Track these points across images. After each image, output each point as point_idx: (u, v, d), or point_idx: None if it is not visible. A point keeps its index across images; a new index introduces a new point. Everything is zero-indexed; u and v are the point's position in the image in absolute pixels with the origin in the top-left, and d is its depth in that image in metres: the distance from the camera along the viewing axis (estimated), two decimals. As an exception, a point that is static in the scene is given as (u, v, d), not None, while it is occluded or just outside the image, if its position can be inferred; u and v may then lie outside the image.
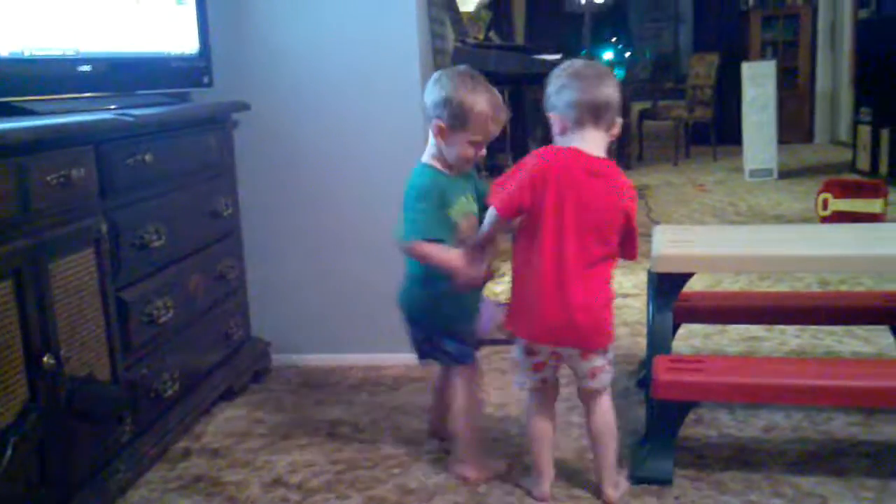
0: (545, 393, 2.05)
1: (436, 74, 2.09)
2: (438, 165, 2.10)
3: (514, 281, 1.99)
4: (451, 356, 2.13)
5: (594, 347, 1.96)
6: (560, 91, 1.92)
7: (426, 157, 2.12)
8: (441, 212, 2.04)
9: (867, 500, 1.99)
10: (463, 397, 2.14)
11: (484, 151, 2.09)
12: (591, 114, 1.89)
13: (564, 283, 1.89)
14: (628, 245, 1.98)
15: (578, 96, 1.88)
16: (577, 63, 1.96)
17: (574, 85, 1.89)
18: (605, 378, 1.99)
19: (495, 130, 2.06)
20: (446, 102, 2.01)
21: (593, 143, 1.91)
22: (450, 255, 1.99)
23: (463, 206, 2.09)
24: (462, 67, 2.10)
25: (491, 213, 1.94)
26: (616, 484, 2.04)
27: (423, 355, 2.18)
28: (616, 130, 1.95)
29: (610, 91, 1.90)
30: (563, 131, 1.94)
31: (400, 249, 2.08)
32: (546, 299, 1.91)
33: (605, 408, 2.02)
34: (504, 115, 2.06)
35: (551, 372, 2.02)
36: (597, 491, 2.05)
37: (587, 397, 2.02)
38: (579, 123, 1.90)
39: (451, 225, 2.05)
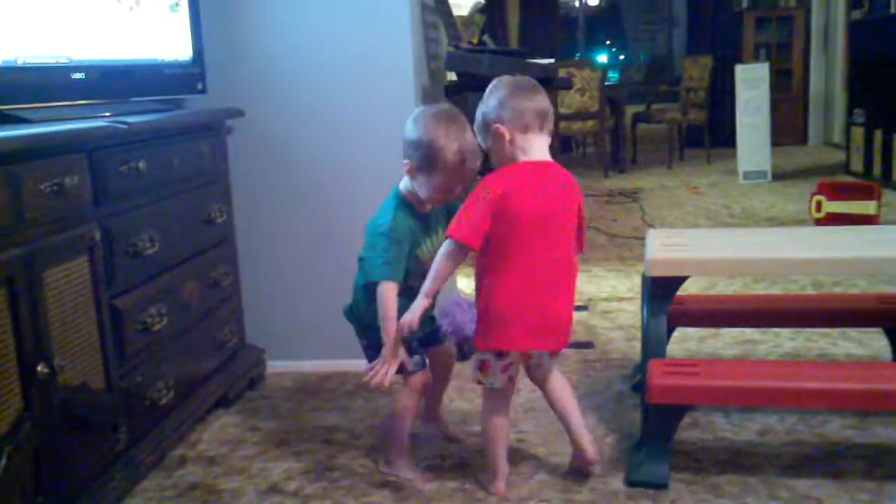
0: (507, 392, 2.10)
1: (416, 111, 2.12)
2: (411, 199, 2.14)
3: (485, 298, 2.00)
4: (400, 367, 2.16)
5: (566, 346, 2.09)
6: (504, 103, 1.98)
7: (403, 184, 2.16)
8: (410, 253, 2.12)
9: (863, 502, 1.99)
10: (403, 403, 2.20)
11: (458, 192, 2.11)
12: (538, 120, 1.99)
13: (550, 291, 1.99)
14: (579, 238, 2.08)
15: (526, 104, 1.97)
16: (508, 77, 2.04)
17: (518, 95, 1.98)
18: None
19: (465, 177, 2.08)
20: (418, 144, 2.05)
21: (540, 147, 2.00)
22: (390, 324, 2.06)
23: (431, 245, 2.15)
24: (443, 108, 2.13)
25: (450, 246, 1.98)
26: (592, 442, 2.15)
27: (371, 360, 2.20)
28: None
29: (547, 100, 2.02)
30: (513, 140, 1.98)
31: (365, 283, 2.16)
32: (531, 308, 1.97)
33: (557, 375, 2.16)
34: (476, 162, 2.08)
35: (516, 370, 2.08)
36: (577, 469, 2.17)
37: (544, 376, 2.14)
38: (528, 130, 1.98)
39: (418, 263, 2.13)
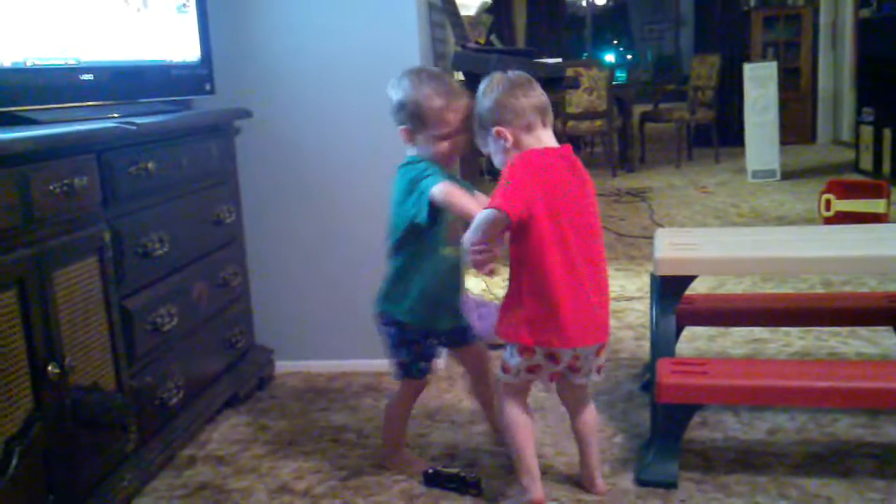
0: (525, 394, 2.04)
1: (392, 80, 2.09)
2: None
3: (525, 292, 1.90)
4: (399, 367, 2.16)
5: (607, 340, 1.99)
6: (502, 102, 1.91)
7: (409, 154, 2.11)
8: (439, 216, 2.03)
9: (873, 502, 1.98)
10: (390, 411, 2.23)
11: (462, 145, 2.05)
12: (541, 115, 1.93)
13: (583, 283, 1.88)
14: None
15: (524, 102, 1.91)
16: (500, 75, 1.95)
17: (516, 93, 1.91)
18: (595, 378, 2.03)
19: (456, 118, 2.01)
20: (401, 106, 2.03)
21: (549, 141, 1.94)
22: (472, 207, 1.91)
23: None
24: (417, 66, 2.12)
25: (486, 215, 1.84)
26: (601, 474, 2.11)
27: (396, 354, 2.19)
28: None
29: (543, 93, 1.96)
30: (518, 141, 1.91)
31: (426, 205, 1.98)
32: (570, 303, 1.87)
33: (592, 406, 2.09)
34: (461, 100, 2.01)
35: (544, 375, 1.98)
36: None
37: (580, 396, 2.05)
38: (532, 127, 1.92)
39: (448, 228, 2.08)
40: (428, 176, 1.98)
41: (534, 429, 2.05)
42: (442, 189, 1.94)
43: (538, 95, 1.94)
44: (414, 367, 2.15)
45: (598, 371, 2.01)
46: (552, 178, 1.88)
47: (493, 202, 1.84)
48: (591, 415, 2.07)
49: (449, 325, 2.15)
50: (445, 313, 2.12)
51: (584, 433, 2.07)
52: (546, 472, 2.17)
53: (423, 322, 2.12)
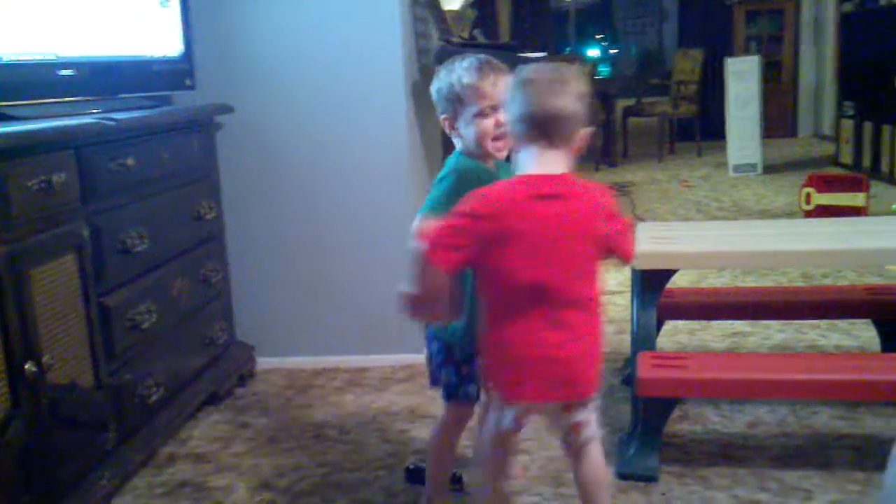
0: (511, 449, 1.77)
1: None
2: (473, 155, 1.86)
3: (484, 332, 1.65)
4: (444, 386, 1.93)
5: (580, 398, 1.65)
6: (510, 102, 1.64)
7: (458, 147, 1.91)
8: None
9: (852, 493, 2.00)
10: (434, 440, 1.98)
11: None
12: (540, 129, 1.59)
13: (548, 328, 1.58)
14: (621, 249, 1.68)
15: (524, 109, 1.59)
16: (532, 67, 1.64)
17: (522, 94, 1.60)
18: (591, 429, 1.69)
19: (495, 91, 1.79)
20: (437, 93, 1.87)
21: (549, 162, 1.60)
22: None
23: None
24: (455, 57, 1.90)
25: (417, 254, 1.57)
26: None
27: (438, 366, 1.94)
28: (580, 144, 1.63)
29: (564, 100, 1.58)
30: (517, 149, 1.65)
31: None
32: (532, 351, 1.60)
33: (594, 456, 1.71)
34: (500, 73, 1.81)
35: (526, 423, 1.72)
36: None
37: (573, 448, 1.72)
38: (529, 140, 1.61)
39: None
40: (436, 189, 1.81)
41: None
42: (419, 223, 1.64)
43: (543, 103, 1.60)
44: (460, 390, 1.90)
45: (576, 430, 1.67)
46: (511, 212, 1.57)
47: (423, 240, 1.58)
48: (591, 466, 1.71)
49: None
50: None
51: (582, 489, 1.73)
52: (528, 466, 2.18)
53: (469, 344, 1.84)
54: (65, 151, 1.92)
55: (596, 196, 1.62)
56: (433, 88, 1.89)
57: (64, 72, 2.18)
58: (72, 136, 1.94)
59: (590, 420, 1.68)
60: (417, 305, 1.64)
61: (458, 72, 1.83)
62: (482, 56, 1.86)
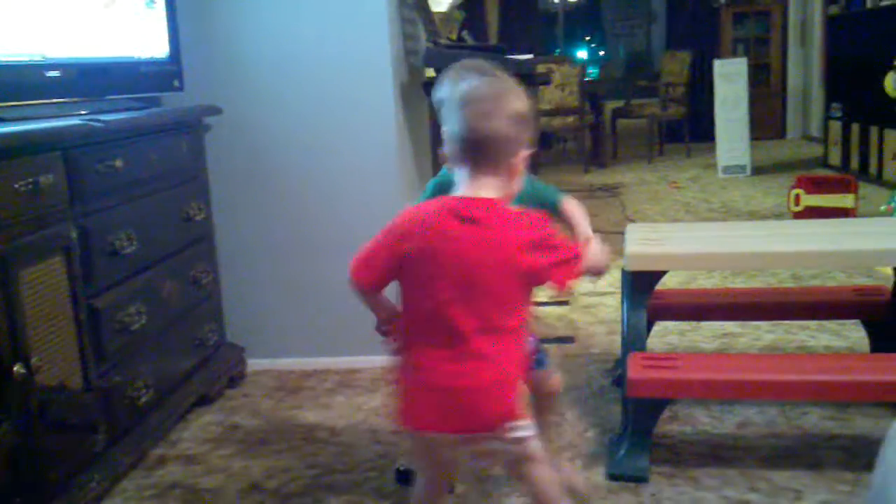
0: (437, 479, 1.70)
1: None
2: None
3: (401, 361, 1.59)
4: None
5: (482, 431, 1.54)
6: (445, 117, 1.56)
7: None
8: None
9: (842, 493, 2.00)
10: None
11: None
12: (471, 152, 1.53)
13: (453, 357, 1.51)
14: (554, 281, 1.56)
15: (456, 130, 1.52)
16: (470, 81, 1.54)
17: (456, 114, 1.52)
18: (527, 452, 1.58)
19: None
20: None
21: (479, 185, 1.54)
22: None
23: None
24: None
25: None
26: None
27: None
28: (518, 167, 1.55)
29: (498, 124, 1.50)
30: (452, 168, 1.59)
31: None
32: (431, 378, 1.53)
33: (538, 481, 1.62)
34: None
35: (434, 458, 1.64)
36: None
37: (516, 467, 1.64)
38: (461, 162, 1.55)
39: None
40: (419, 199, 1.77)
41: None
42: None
43: (476, 126, 1.51)
44: None
45: (481, 458, 1.65)
46: (431, 233, 1.52)
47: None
48: (535, 489, 1.63)
49: None
50: None
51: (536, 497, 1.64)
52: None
53: None
54: (52, 153, 1.91)
55: (522, 225, 1.53)
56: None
57: (51, 73, 2.17)
58: (59, 137, 1.94)
59: (520, 447, 1.56)
60: (381, 328, 1.66)
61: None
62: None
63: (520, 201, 1.80)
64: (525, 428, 1.55)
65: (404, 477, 2.13)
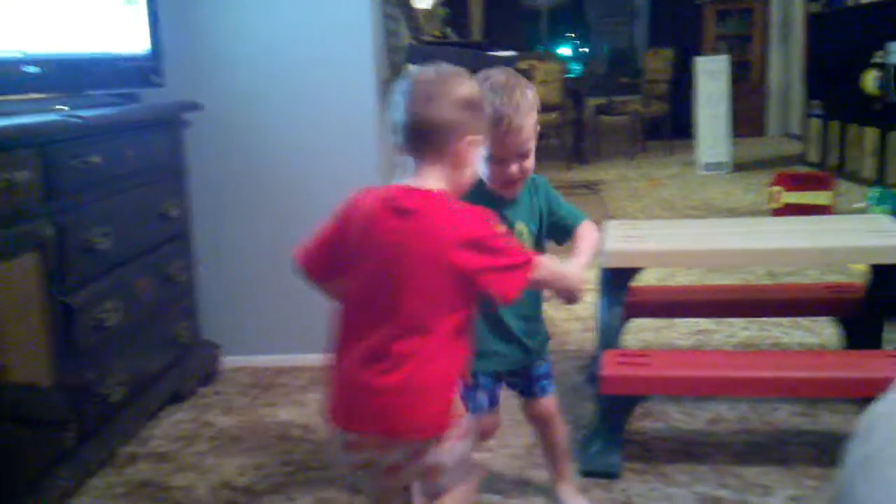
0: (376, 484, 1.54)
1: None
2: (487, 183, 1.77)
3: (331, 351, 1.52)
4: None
5: (397, 437, 1.43)
6: (390, 106, 1.50)
7: None
8: None
9: (810, 489, 2.03)
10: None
11: (513, 167, 1.74)
12: (411, 140, 1.46)
13: (372, 351, 1.43)
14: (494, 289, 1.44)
15: (397, 117, 1.47)
16: (419, 68, 1.51)
17: (398, 100, 1.47)
18: (444, 478, 1.48)
19: (504, 141, 1.70)
20: None
21: (420, 175, 1.47)
22: None
23: None
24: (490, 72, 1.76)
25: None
26: None
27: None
28: (464, 156, 1.47)
29: (439, 110, 1.43)
30: (398, 156, 1.53)
31: None
32: (348, 373, 1.46)
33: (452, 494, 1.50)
34: (518, 121, 1.71)
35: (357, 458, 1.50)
36: None
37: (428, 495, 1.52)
38: (403, 150, 1.49)
39: None
40: None
41: None
42: None
43: (416, 112, 1.45)
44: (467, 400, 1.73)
45: (430, 476, 1.47)
46: (364, 220, 1.47)
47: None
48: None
49: (494, 367, 1.85)
50: (483, 356, 1.73)
51: None
52: (492, 463, 2.19)
53: None
54: (28, 149, 1.91)
55: (460, 221, 1.43)
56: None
57: (29, 68, 2.16)
58: (36, 133, 1.93)
59: (437, 466, 1.45)
60: None
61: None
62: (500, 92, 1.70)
63: (527, 209, 1.83)
64: (444, 452, 1.45)
65: None
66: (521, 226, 1.81)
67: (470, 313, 1.48)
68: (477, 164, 1.54)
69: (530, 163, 1.77)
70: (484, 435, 1.86)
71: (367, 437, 1.44)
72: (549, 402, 1.96)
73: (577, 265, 1.71)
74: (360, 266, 1.46)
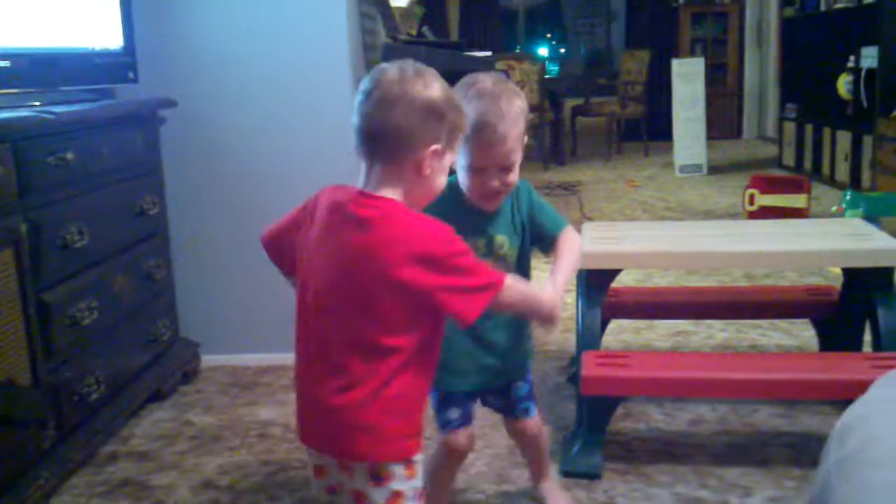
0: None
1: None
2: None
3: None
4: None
5: (343, 457, 1.36)
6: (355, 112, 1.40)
7: None
8: None
9: (789, 489, 2.04)
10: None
11: (493, 181, 1.63)
12: (366, 145, 1.37)
13: (323, 363, 1.36)
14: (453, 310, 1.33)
15: (354, 121, 1.38)
16: (382, 67, 1.40)
17: (357, 104, 1.38)
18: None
19: (486, 153, 1.60)
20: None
21: (375, 182, 1.37)
22: None
23: (478, 251, 1.65)
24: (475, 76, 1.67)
25: None
26: None
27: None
28: (425, 170, 1.36)
29: (394, 115, 1.33)
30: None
31: None
32: (303, 384, 1.41)
33: None
34: (502, 131, 1.59)
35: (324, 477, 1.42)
36: None
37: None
38: (360, 155, 1.40)
39: None
40: None
41: None
42: None
43: (370, 116, 1.36)
44: (439, 416, 1.78)
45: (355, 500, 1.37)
46: (320, 221, 1.39)
47: None
48: None
49: (467, 387, 1.77)
50: (456, 373, 1.71)
51: None
52: (473, 464, 2.19)
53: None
54: (2, 145, 1.88)
55: (414, 235, 1.31)
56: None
57: (1, 63, 2.13)
58: (9, 129, 1.90)
59: (376, 497, 1.35)
60: None
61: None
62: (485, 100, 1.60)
63: (508, 221, 1.71)
64: (387, 478, 1.34)
65: None
66: (501, 239, 1.71)
67: (433, 332, 1.37)
68: (442, 176, 1.42)
69: (514, 176, 1.65)
70: (456, 453, 1.79)
71: (325, 457, 1.38)
72: (533, 422, 1.87)
73: (553, 287, 1.58)
74: (311, 269, 1.38)
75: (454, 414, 1.76)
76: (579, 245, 1.75)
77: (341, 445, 1.34)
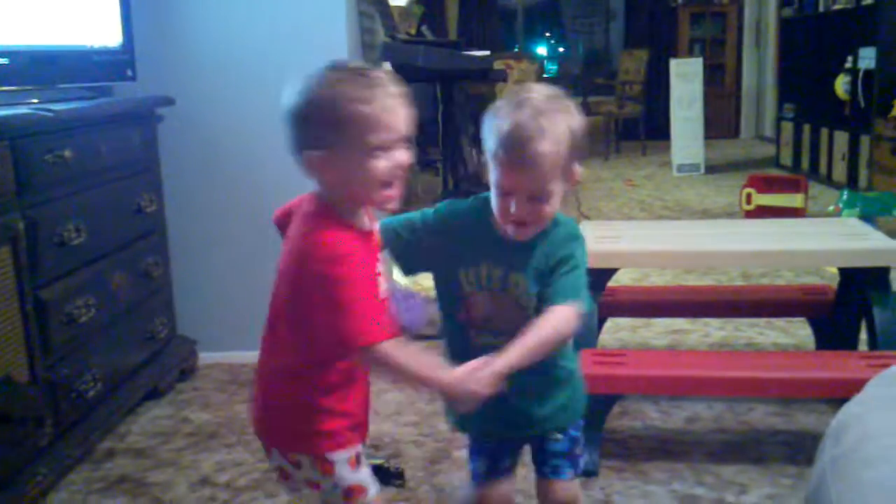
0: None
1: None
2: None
3: None
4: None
5: (269, 443, 1.42)
6: None
7: None
8: (450, 270, 1.47)
9: (785, 487, 2.05)
10: None
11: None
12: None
13: (260, 367, 1.44)
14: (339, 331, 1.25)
15: None
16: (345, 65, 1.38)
17: None
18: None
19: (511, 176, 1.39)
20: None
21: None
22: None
23: (487, 278, 1.45)
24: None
25: None
26: None
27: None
28: (320, 177, 1.35)
29: (284, 121, 1.35)
30: None
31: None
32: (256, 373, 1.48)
33: None
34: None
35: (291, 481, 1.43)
36: None
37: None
38: None
39: (459, 293, 1.47)
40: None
41: None
42: None
43: None
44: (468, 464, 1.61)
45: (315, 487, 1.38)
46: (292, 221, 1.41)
47: None
48: None
49: (491, 436, 1.56)
50: (478, 417, 1.40)
51: None
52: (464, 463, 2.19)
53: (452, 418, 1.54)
54: (-1, 142, 1.88)
55: (312, 247, 1.28)
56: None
57: (0, 60, 2.13)
58: (7, 127, 1.90)
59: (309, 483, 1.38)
60: None
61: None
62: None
63: (535, 262, 1.42)
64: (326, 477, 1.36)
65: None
66: (518, 279, 1.43)
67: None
68: (350, 178, 1.31)
69: (549, 209, 1.40)
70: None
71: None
72: (562, 486, 1.53)
73: (489, 366, 1.31)
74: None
75: (481, 466, 1.55)
76: (563, 329, 1.39)
77: (267, 434, 1.42)
